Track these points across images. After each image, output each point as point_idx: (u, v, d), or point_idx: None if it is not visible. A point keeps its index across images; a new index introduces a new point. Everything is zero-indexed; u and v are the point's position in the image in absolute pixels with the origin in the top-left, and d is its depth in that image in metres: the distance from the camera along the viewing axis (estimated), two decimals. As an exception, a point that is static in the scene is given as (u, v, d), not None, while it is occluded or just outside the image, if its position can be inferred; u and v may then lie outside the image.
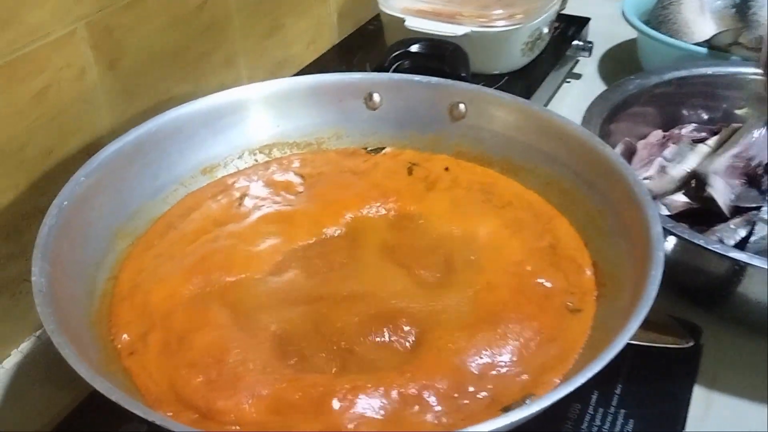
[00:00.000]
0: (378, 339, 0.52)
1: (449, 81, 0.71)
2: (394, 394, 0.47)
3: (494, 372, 0.50)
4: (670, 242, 0.61)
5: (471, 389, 0.48)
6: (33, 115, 0.62)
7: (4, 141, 0.60)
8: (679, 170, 0.71)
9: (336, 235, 0.63)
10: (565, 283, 0.56)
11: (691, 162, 0.71)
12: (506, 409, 0.46)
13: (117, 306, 0.55)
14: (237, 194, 0.67)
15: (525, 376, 0.49)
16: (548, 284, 0.56)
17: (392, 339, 0.52)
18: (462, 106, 0.70)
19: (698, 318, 0.64)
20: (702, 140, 0.76)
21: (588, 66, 1.06)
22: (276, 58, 0.92)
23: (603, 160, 0.61)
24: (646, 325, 0.46)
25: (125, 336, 0.53)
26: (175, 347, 0.52)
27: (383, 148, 0.73)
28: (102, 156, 0.61)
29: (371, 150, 0.73)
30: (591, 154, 0.63)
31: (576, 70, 1.05)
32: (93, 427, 0.54)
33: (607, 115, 0.74)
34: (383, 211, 0.65)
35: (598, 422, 0.58)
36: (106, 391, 0.42)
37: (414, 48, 0.76)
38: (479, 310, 0.54)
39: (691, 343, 0.60)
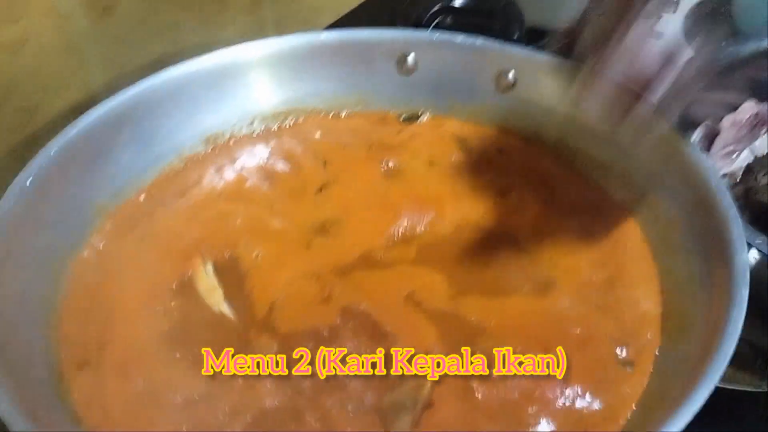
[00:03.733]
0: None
1: (497, 44, 0.59)
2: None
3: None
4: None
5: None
6: (9, 70, 0.54)
7: (-25, 99, 0.52)
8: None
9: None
10: (617, 330, 0.45)
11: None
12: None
13: (80, 303, 0.47)
14: (243, 171, 0.58)
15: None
16: (591, 333, 0.45)
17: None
18: (511, 75, 0.59)
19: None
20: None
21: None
22: (310, 3, 0.82)
23: (677, 152, 0.50)
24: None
25: (79, 346, 0.45)
26: (136, 373, 0.43)
27: (418, 116, 0.62)
28: (81, 124, 0.53)
29: (405, 119, 0.62)
30: (663, 146, 0.51)
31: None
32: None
33: (690, 89, 0.61)
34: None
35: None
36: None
37: (458, 2, 0.64)
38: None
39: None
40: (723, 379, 0.45)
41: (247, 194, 0.56)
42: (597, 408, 0.41)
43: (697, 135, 0.61)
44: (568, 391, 0.41)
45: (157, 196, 0.55)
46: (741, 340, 0.40)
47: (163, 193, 0.56)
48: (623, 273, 0.48)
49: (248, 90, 0.60)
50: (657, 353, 0.43)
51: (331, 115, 0.61)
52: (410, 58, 0.61)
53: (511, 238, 0.52)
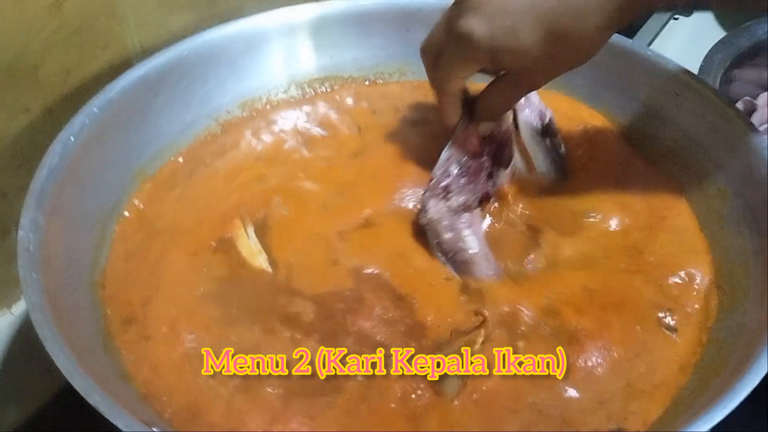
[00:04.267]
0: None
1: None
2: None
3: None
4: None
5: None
6: (48, 28, 0.53)
7: (15, 56, 0.51)
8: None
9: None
10: (660, 296, 0.45)
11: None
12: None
13: (123, 261, 0.47)
14: (281, 134, 0.57)
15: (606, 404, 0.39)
16: (631, 297, 0.45)
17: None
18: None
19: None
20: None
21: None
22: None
23: (726, 124, 0.49)
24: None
25: (125, 303, 0.44)
26: (182, 328, 0.43)
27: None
28: (122, 84, 0.52)
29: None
30: (710, 116, 0.50)
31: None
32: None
33: (731, 64, 0.61)
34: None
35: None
36: (84, 389, 0.34)
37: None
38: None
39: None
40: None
41: (283, 157, 0.56)
42: (643, 371, 0.41)
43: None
44: (613, 354, 0.41)
45: (196, 158, 0.55)
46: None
47: (202, 155, 0.55)
48: (669, 242, 0.48)
49: (285, 56, 0.60)
50: (708, 323, 0.43)
51: (367, 83, 0.61)
52: (450, 26, 0.60)
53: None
